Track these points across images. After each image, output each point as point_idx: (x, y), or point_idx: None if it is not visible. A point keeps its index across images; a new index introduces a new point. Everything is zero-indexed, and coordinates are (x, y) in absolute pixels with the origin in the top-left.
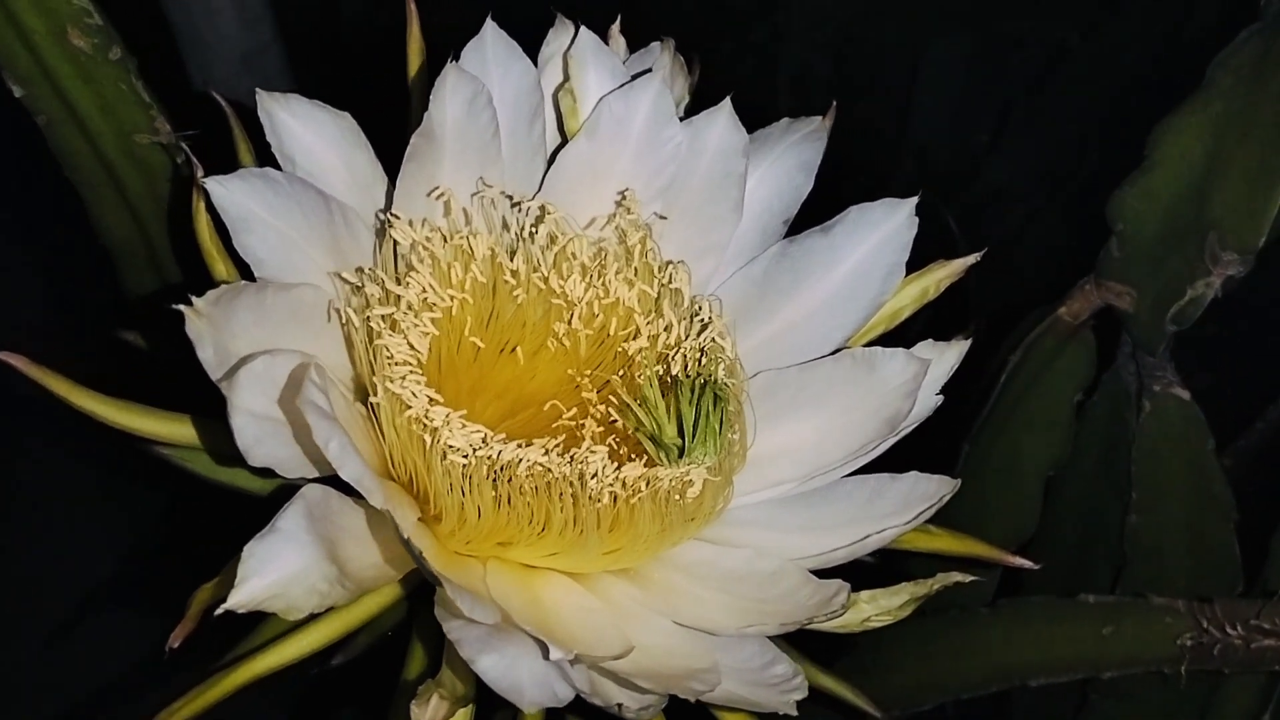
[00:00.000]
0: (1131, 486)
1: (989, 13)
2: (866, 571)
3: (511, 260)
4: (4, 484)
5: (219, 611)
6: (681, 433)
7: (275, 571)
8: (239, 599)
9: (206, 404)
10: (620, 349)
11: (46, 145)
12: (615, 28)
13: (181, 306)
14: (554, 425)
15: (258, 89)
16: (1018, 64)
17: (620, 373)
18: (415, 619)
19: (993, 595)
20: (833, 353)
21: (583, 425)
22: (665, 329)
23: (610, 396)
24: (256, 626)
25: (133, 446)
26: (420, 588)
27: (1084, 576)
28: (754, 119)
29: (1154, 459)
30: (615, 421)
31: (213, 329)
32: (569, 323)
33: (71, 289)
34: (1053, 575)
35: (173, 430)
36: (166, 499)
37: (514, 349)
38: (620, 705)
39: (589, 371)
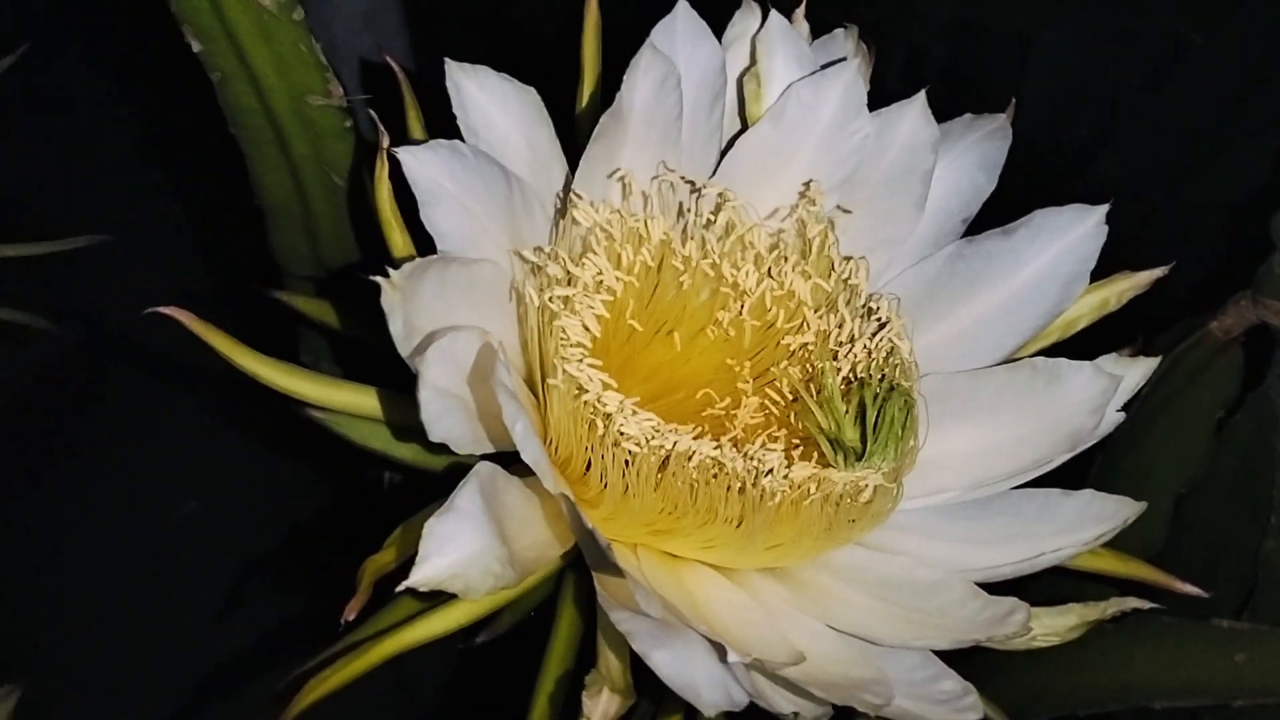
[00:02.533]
0: (1271, 510)
1: (1107, 3)
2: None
3: (684, 246)
4: (158, 454)
5: (400, 589)
6: (864, 435)
7: (455, 551)
8: (420, 577)
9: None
10: (783, 342)
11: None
12: (800, 12)
13: (379, 279)
14: (702, 414)
15: (446, 59)
16: (1133, 58)
17: (780, 366)
18: (559, 601)
19: None
20: (1003, 361)
21: (733, 416)
22: (837, 325)
23: (768, 390)
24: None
25: (285, 415)
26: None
27: (1208, 598)
28: None
29: None
30: (770, 414)
31: (404, 302)
32: (739, 312)
33: (211, 251)
34: (1174, 594)
35: (332, 395)
36: (301, 472)
37: (670, 332)
38: (796, 715)
39: (747, 362)
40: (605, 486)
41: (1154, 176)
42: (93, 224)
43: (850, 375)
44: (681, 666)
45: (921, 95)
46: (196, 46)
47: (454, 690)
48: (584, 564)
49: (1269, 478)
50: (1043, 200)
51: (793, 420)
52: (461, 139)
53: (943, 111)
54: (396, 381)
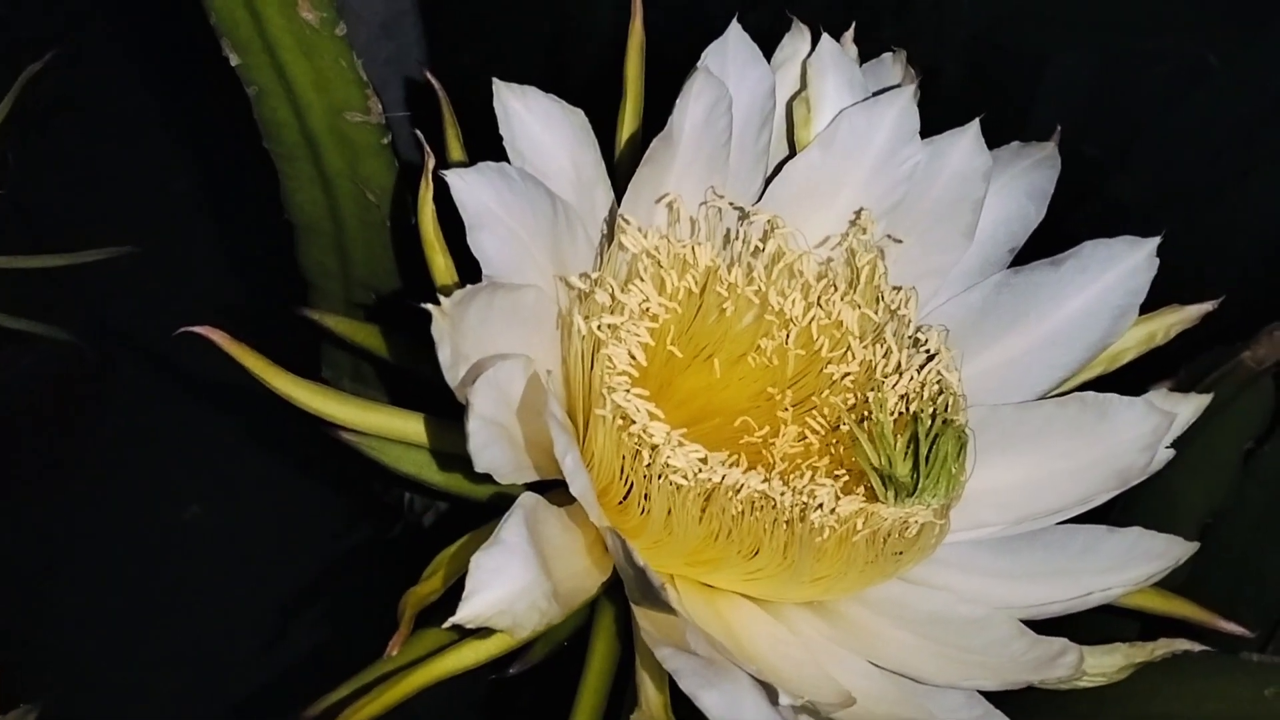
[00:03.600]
0: None
1: (1125, 26)
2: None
3: (729, 272)
4: (167, 462)
5: (446, 625)
6: (916, 470)
7: (503, 585)
8: (467, 613)
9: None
10: (825, 371)
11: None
12: (848, 36)
13: (430, 307)
14: (739, 442)
15: (494, 79)
16: (1150, 81)
17: (821, 395)
18: (593, 631)
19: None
20: (1047, 394)
21: (771, 445)
22: (883, 356)
23: (807, 419)
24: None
25: (302, 430)
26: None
27: (1251, 637)
28: None
29: None
30: (809, 444)
31: (452, 329)
32: (785, 340)
33: (235, 266)
34: (1195, 626)
35: (366, 419)
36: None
37: (709, 357)
38: None
39: (788, 390)
40: (644, 515)
41: (1172, 201)
42: (117, 236)
43: (919, 411)
44: (731, 708)
45: (975, 124)
46: (234, 59)
47: None
48: (618, 593)
49: None
50: (1059, 224)
51: (832, 451)
52: (505, 158)
53: None
54: (419, 401)
